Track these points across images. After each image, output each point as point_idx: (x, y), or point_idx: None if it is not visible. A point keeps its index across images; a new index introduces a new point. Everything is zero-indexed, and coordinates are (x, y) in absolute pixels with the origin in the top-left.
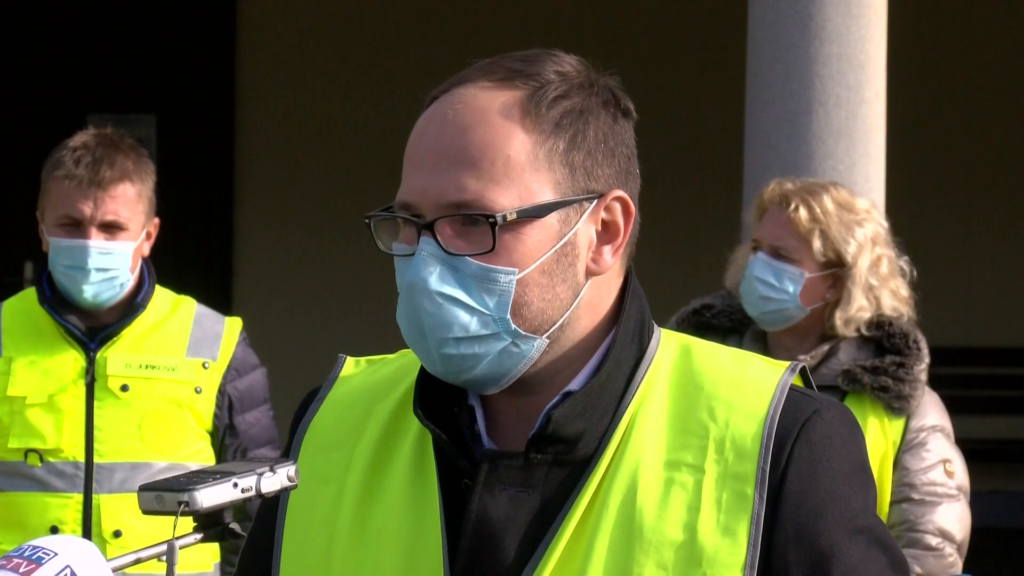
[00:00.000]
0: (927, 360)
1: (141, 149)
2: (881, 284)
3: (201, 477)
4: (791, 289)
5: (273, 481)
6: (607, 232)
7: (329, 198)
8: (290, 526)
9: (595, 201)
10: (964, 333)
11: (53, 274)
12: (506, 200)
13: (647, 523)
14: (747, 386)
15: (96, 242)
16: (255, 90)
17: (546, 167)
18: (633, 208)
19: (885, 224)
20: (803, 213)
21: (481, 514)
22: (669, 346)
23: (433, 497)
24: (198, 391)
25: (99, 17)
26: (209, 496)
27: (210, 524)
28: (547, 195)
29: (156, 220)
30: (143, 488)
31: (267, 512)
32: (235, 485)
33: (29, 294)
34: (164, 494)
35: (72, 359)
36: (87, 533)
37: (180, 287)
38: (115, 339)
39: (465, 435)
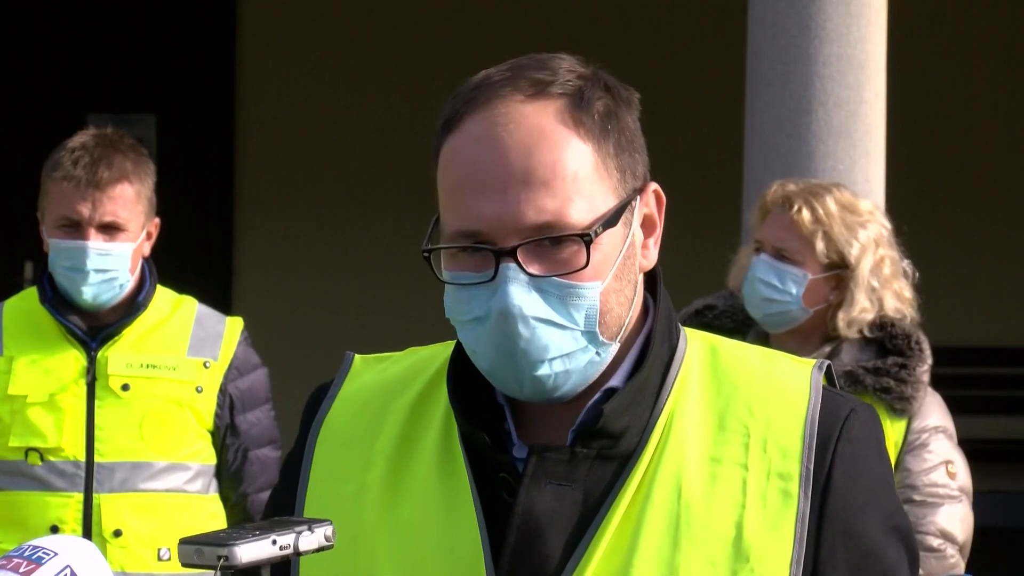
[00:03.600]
0: (929, 361)
1: (141, 149)
2: (884, 285)
3: (241, 533)
4: (794, 291)
5: (311, 540)
6: (645, 226)
7: (329, 198)
8: None
9: (638, 198)
10: (964, 333)
11: (53, 275)
12: (581, 215)
13: (695, 517)
14: (781, 385)
15: (95, 243)
16: (255, 90)
17: (605, 174)
18: (663, 197)
19: (888, 225)
20: (806, 215)
21: (528, 507)
22: (697, 345)
23: (465, 492)
24: (199, 390)
25: (99, 17)
26: (248, 552)
27: None
28: (610, 201)
29: (156, 220)
30: (183, 542)
31: (280, 509)
32: (274, 542)
33: (30, 293)
34: (204, 548)
35: (73, 358)
36: (87, 532)
37: (180, 287)
38: (116, 338)
39: (497, 433)
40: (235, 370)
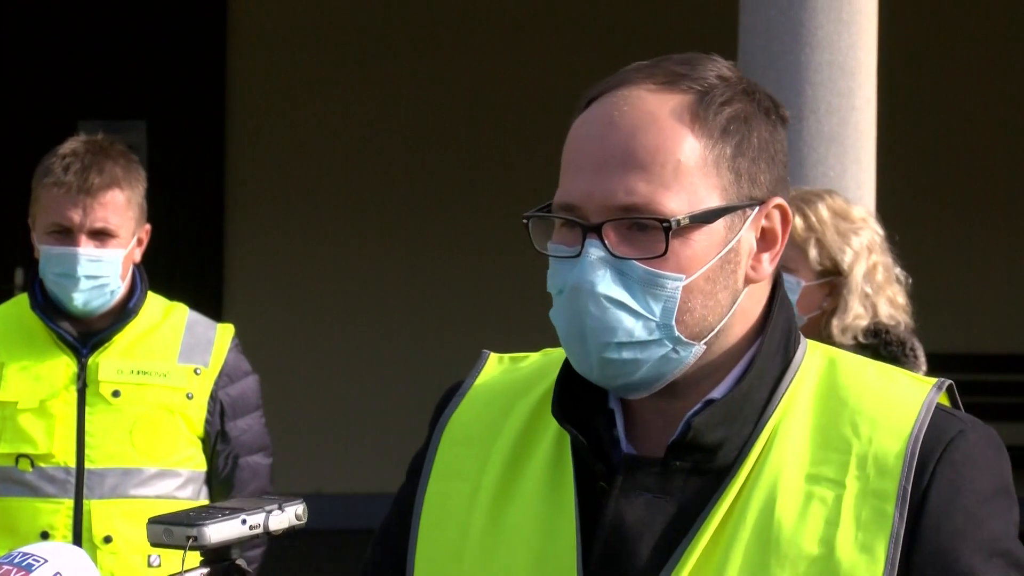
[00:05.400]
0: (924, 368)
1: (131, 155)
2: (877, 292)
3: (211, 512)
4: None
5: (281, 519)
6: (765, 240)
7: (320, 205)
8: (425, 521)
9: (757, 208)
10: (955, 339)
11: (44, 281)
12: (675, 205)
13: (785, 536)
14: (892, 403)
15: (86, 250)
16: (246, 96)
17: (714, 172)
18: (791, 216)
19: (881, 232)
20: (798, 222)
21: (617, 518)
22: (815, 358)
23: (569, 498)
24: (190, 397)
25: (90, 24)
26: (217, 531)
27: (217, 559)
28: (714, 200)
29: (147, 226)
30: (152, 521)
31: (403, 503)
32: (243, 522)
33: (22, 300)
34: (173, 528)
35: (64, 364)
36: (77, 539)
37: (171, 293)
38: (107, 345)
39: (603, 438)
40: (226, 377)
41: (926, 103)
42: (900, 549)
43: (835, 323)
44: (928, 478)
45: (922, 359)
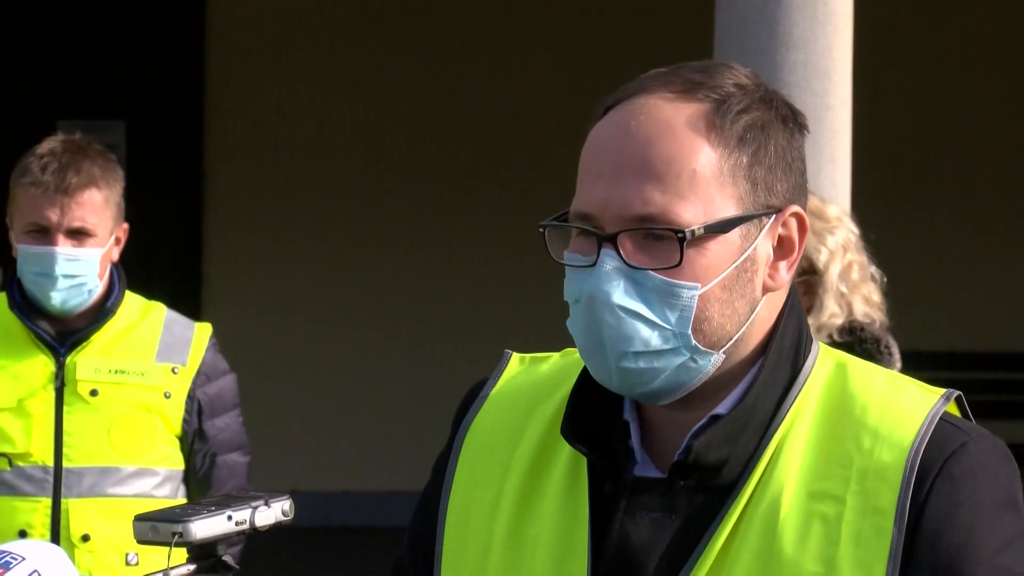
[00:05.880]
0: (899, 365)
1: (109, 155)
2: (852, 290)
3: (196, 509)
4: None
5: (268, 514)
6: (782, 248)
7: (299, 204)
8: (450, 528)
9: (773, 217)
10: (926, 337)
11: (22, 281)
12: (691, 215)
13: (786, 555)
14: (896, 414)
15: (63, 249)
16: (224, 96)
17: (730, 182)
18: (808, 224)
19: (856, 231)
20: None
21: (622, 539)
22: (825, 364)
23: (583, 515)
24: (167, 396)
25: (68, 24)
26: (203, 528)
27: (203, 555)
28: (730, 210)
29: (125, 225)
30: (139, 518)
31: (429, 505)
32: (229, 518)
33: None
34: (159, 524)
35: (42, 364)
36: (55, 537)
37: (149, 293)
38: (85, 344)
39: (618, 450)
40: (203, 376)
41: (901, 103)
42: (899, 566)
43: (810, 322)
44: (926, 493)
45: (896, 356)
